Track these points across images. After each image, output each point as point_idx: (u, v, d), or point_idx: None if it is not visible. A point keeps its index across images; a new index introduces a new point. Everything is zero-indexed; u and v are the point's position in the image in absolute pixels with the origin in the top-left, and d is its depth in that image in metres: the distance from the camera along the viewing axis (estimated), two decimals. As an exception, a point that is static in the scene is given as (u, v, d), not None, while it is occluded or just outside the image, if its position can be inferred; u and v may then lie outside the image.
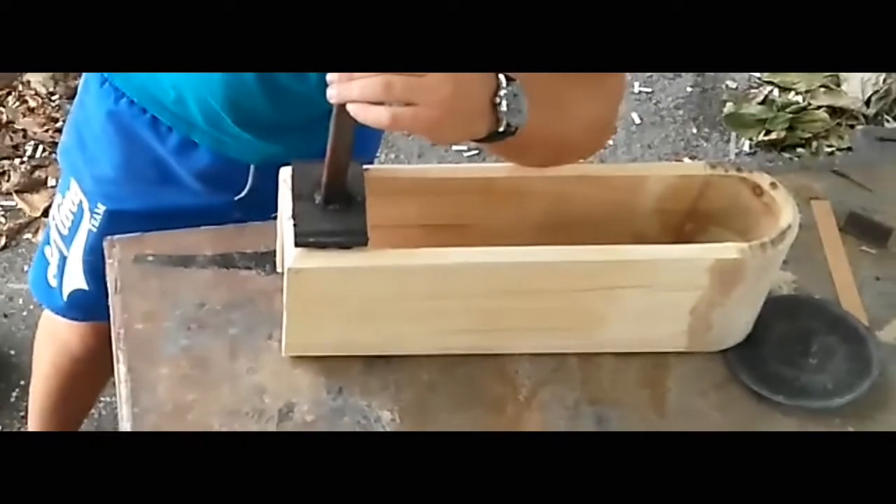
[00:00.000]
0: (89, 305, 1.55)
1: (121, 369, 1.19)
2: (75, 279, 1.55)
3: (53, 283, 1.59)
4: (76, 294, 1.56)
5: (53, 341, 1.75)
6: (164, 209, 1.37)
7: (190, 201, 1.40)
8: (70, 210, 1.51)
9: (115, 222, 1.40)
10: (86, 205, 1.48)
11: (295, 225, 1.10)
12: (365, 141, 1.57)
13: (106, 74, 1.42)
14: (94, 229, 1.48)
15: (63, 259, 1.55)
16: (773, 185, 1.20)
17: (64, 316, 1.64)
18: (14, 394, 2.22)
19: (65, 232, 1.53)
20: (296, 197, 1.13)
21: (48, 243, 1.59)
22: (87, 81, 1.48)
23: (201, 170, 1.43)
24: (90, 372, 1.77)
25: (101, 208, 1.46)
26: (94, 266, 1.48)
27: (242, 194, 1.42)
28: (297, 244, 1.10)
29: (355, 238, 1.11)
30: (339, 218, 1.11)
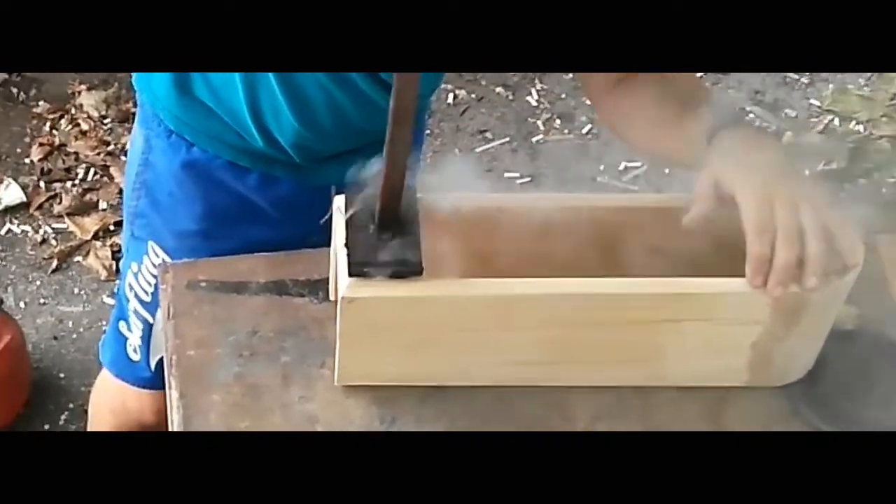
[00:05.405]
0: None
1: (173, 395, 1.18)
2: (163, 345, 1.53)
3: (136, 356, 1.57)
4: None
5: (122, 412, 1.70)
6: (252, 246, 1.35)
7: (275, 233, 1.39)
8: (151, 274, 1.49)
9: None
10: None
11: (349, 254, 1.09)
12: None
13: (173, 127, 1.41)
14: None
15: (148, 327, 1.53)
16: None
17: (152, 388, 1.60)
18: (63, 416, 2.22)
19: (147, 299, 1.51)
20: (350, 225, 1.11)
21: (123, 318, 1.57)
22: (149, 139, 1.45)
23: (284, 199, 1.42)
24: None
25: None
26: None
27: (327, 216, 1.42)
28: (351, 273, 1.08)
29: (410, 268, 1.09)
30: (393, 247, 1.10)
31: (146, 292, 1.51)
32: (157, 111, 1.42)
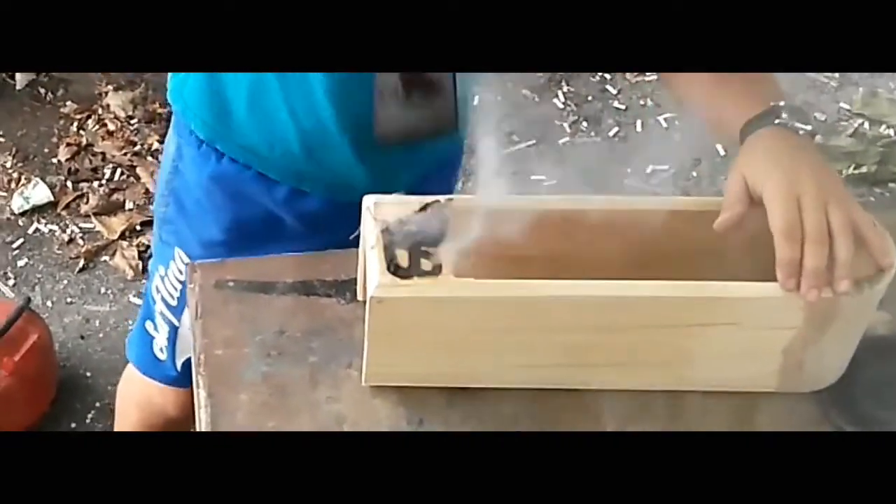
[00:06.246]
0: None
1: (200, 395, 1.18)
2: (189, 348, 1.53)
3: (162, 356, 1.58)
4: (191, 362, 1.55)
5: (147, 406, 1.72)
6: None
7: (301, 249, 1.39)
8: (177, 279, 1.49)
9: None
10: None
11: (378, 124, 1.02)
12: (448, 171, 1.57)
13: (203, 137, 1.41)
14: None
15: (174, 329, 1.54)
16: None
17: (180, 386, 1.62)
18: (90, 415, 2.23)
19: (173, 303, 1.52)
20: (380, 95, 1.04)
21: (150, 318, 1.58)
22: (180, 147, 1.46)
23: (312, 215, 1.42)
24: (184, 427, 1.75)
25: None
26: None
27: (356, 233, 1.41)
28: (379, 140, 1.03)
29: (444, 125, 1.02)
30: (425, 110, 1.04)
31: (172, 297, 1.52)
32: (188, 121, 1.42)
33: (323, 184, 1.41)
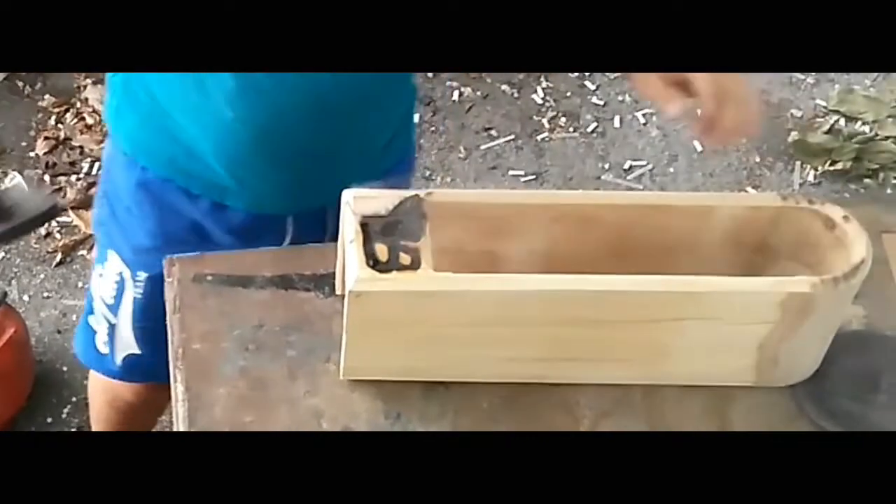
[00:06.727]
0: (145, 369, 1.56)
1: (178, 389, 1.18)
2: (127, 345, 1.55)
3: (104, 349, 1.59)
4: (130, 359, 1.56)
5: (108, 392, 1.75)
6: None
7: None
8: (113, 280, 1.50)
9: (159, 287, 1.32)
10: (127, 274, 1.48)
11: None
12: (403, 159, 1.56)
13: (128, 150, 1.42)
14: (140, 296, 1.49)
15: (112, 326, 1.55)
16: (845, 218, 1.17)
17: (121, 379, 1.64)
18: (65, 409, 2.23)
19: (110, 301, 1.53)
20: None
21: (91, 313, 1.58)
22: (113, 152, 1.47)
23: (237, 228, 1.42)
24: (150, 410, 1.78)
25: (143, 276, 1.47)
26: (146, 331, 1.50)
27: (283, 247, 1.42)
28: None
29: None
30: None
31: (109, 296, 1.53)
32: (116, 131, 1.44)
33: (243, 198, 1.40)
